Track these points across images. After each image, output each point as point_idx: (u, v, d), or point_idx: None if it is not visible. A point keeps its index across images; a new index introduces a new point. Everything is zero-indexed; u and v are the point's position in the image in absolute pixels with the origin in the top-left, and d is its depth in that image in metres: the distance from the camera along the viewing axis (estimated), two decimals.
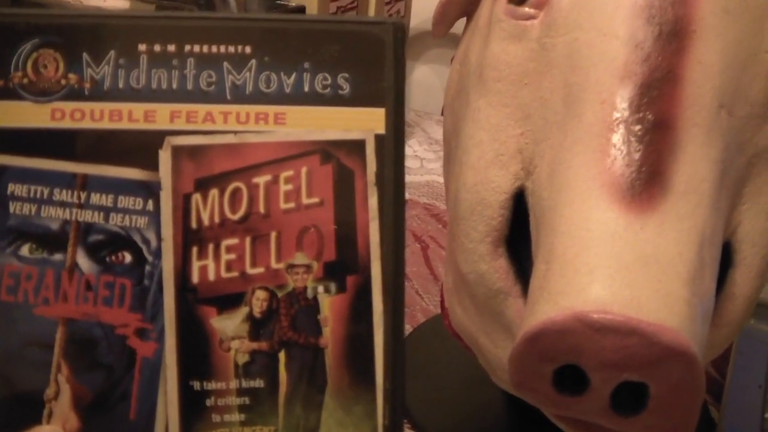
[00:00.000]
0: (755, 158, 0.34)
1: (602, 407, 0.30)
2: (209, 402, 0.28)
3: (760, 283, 0.36)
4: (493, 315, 0.38)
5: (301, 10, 0.81)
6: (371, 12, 0.90)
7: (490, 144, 0.37)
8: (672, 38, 0.32)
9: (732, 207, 0.34)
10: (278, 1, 0.86)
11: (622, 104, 0.31)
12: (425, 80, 1.30)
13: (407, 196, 0.90)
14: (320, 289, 0.29)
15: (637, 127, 0.31)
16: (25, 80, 0.28)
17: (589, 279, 0.28)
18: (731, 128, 0.33)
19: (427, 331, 0.63)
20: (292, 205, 0.29)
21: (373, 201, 0.29)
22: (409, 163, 1.00)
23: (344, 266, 0.29)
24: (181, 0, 0.83)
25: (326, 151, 0.29)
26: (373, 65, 0.29)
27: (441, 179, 0.95)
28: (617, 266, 0.28)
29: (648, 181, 0.30)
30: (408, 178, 0.96)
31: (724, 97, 0.32)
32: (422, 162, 1.01)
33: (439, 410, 0.54)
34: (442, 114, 1.15)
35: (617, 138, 0.31)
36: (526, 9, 0.36)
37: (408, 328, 0.64)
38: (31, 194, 0.29)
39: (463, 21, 0.45)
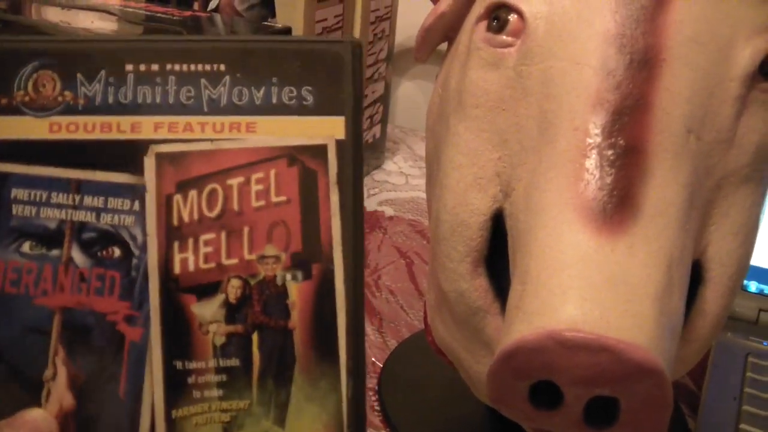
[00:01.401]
0: (722, 181, 0.35)
1: (575, 421, 0.31)
2: (191, 380, 0.31)
3: (728, 301, 0.37)
4: (474, 332, 0.39)
5: (287, 31, 0.82)
6: (357, 31, 0.91)
7: (469, 168, 0.38)
8: (642, 66, 0.33)
9: (701, 227, 0.35)
10: (264, 23, 0.87)
11: (594, 130, 0.32)
12: (410, 96, 1.31)
13: (392, 212, 0.91)
14: (288, 277, 0.32)
15: (609, 153, 0.32)
16: (27, 98, 0.32)
17: (561, 299, 0.29)
18: (699, 153, 0.34)
19: (412, 346, 0.64)
20: (262, 203, 0.32)
21: (334, 199, 0.32)
22: (394, 179, 1.01)
23: (309, 257, 0.32)
24: (168, 22, 0.84)
25: (292, 155, 0.32)
26: (333, 79, 0.32)
27: (425, 195, 0.96)
28: (588, 287, 0.29)
29: (619, 204, 0.31)
30: (393, 195, 0.97)
31: (693, 122, 0.33)
32: (407, 178, 1.02)
33: (423, 423, 0.54)
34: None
35: (590, 163, 0.32)
36: (504, 37, 0.37)
37: (393, 343, 0.65)
38: (32, 198, 0.32)
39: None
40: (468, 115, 0.38)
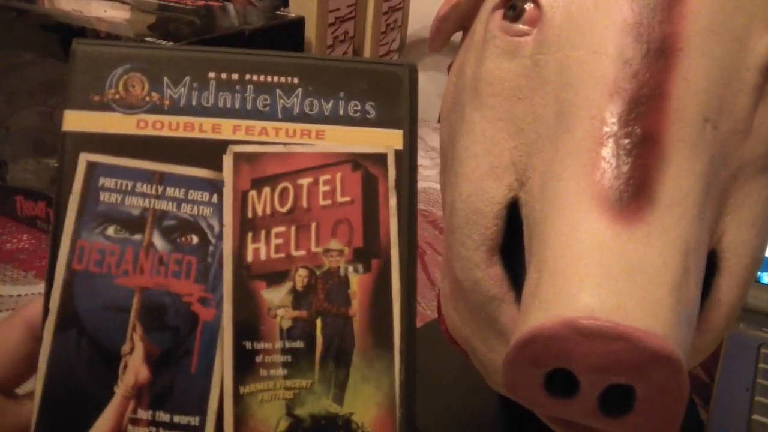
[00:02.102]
0: (738, 171, 0.35)
1: (591, 409, 0.31)
2: (258, 359, 0.34)
3: (743, 291, 0.37)
4: (488, 321, 0.39)
5: (300, 20, 0.82)
6: (369, 21, 0.91)
7: (484, 156, 0.38)
8: (659, 56, 0.33)
9: (717, 217, 0.35)
10: (277, 12, 0.87)
11: (611, 119, 0.32)
12: (422, 87, 1.30)
13: None
14: (350, 269, 0.35)
15: (626, 142, 0.32)
16: (117, 96, 0.35)
17: (578, 287, 0.29)
18: (716, 142, 0.34)
19: (425, 335, 0.64)
20: (328, 202, 0.35)
21: (392, 201, 0.35)
22: None
23: (369, 252, 0.35)
24: (181, 11, 0.84)
25: (356, 161, 0.35)
26: (393, 96, 0.36)
27: (437, 186, 0.95)
28: (605, 275, 0.29)
29: (635, 193, 0.31)
30: None
31: (709, 112, 0.33)
32: (419, 169, 1.02)
33: (437, 413, 0.55)
34: (438, 121, 1.16)
35: (606, 152, 0.32)
36: (520, 26, 0.37)
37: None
38: (118, 186, 0.34)
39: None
40: (484, 104, 0.38)
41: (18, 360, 0.35)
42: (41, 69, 0.87)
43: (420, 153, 1.07)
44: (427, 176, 1.00)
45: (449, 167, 0.42)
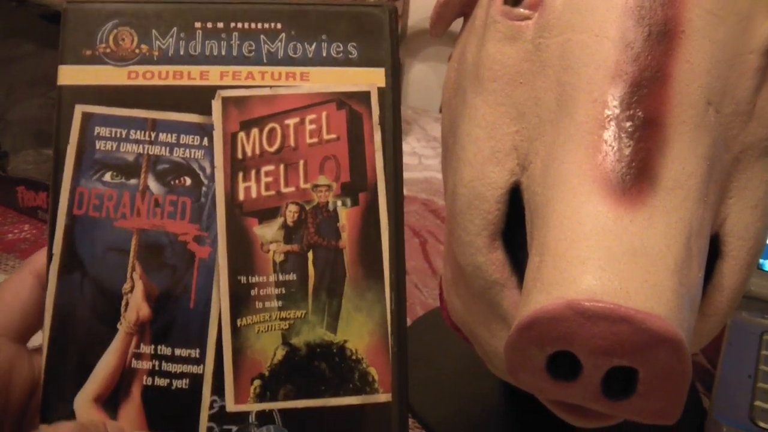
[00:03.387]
0: (741, 154, 0.35)
1: (594, 392, 0.31)
2: (253, 292, 0.36)
3: (746, 275, 0.36)
4: (490, 306, 0.39)
5: None
6: None
7: (486, 141, 0.38)
8: (661, 39, 0.33)
9: (720, 200, 0.35)
10: None
11: (612, 102, 0.32)
12: (423, 78, 1.30)
13: (405, 192, 0.91)
14: (339, 203, 0.36)
15: (628, 125, 0.32)
16: (108, 50, 0.37)
17: (580, 270, 0.29)
18: (718, 125, 0.33)
19: (426, 323, 0.64)
20: (315, 140, 0.37)
21: (377, 137, 0.37)
22: (408, 159, 1.01)
23: (357, 186, 0.36)
24: None
25: (341, 100, 0.37)
26: (374, 37, 0.37)
27: (439, 175, 0.95)
28: (607, 258, 0.29)
29: (637, 176, 0.31)
30: (406, 175, 0.97)
31: (712, 95, 0.33)
32: (420, 159, 1.02)
33: (438, 400, 0.55)
34: (440, 111, 1.16)
35: (608, 135, 0.32)
36: (521, 10, 0.37)
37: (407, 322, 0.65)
38: (113, 134, 0.36)
39: (459, 20, 0.46)
40: (485, 88, 0.38)
41: (30, 309, 0.36)
42: (41, 60, 0.87)
43: (422, 143, 1.07)
44: (429, 165, 1.00)
45: (451, 153, 0.42)
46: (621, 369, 0.30)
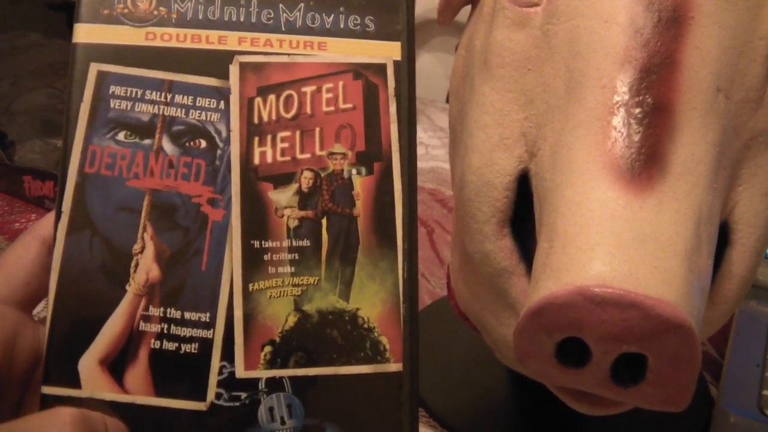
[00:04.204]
0: (751, 141, 0.35)
1: (603, 378, 0.31)
2: (266, 257, 0.35)
3: (755, 262, 0.36)
4: (498, 293, 0.39)
5: None
6: None
7: (494, 128, 0.37)
8: (671, 24, 0.33)
9: (729, 188, 0.35)
10: None
11: (622, 88, 0.32)
12: (429, 68, 1.30)
13: None
14: (353, 171, 0.36)
15: (637, 111, 0.32)
16: (126, 10, 0.36)
17: (589, 256, 0.29)
18: (728, 112, 0.33)
19: (434, 313, 0.64)
20: (331, 108, 0.36)
21: (392, 108, 0.37)
22: None
23: (371, 155, 0.36)
24: None
25: (357, 71, 0.37)
26: (391, 10, 0.37)
27: (446, 165, 0.95)
28: (617, 244, 0.29)
29: (647, 162, 0.31)
30: None
31: (721, 81, 0.33)
32: (427, 148, 1.02)
33: (446, 389, 0.55)
34: (446, 101, 1.15)
35: (617, 121, 0.32)
36: None
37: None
38: (128, 94, 0.36)
39: (467, 9, 0.46)
40: (493, 75, 0.38)
41: (35, 275, 0.35)
42: (47, 49, 0.87)
43: (428, 133, 1.07)
44: (435, 156, 1.00)
45: (459, 141, 0.42)
46: (630, 356, 0.30)
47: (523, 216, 0.38)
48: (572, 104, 0.34)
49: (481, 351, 0.50)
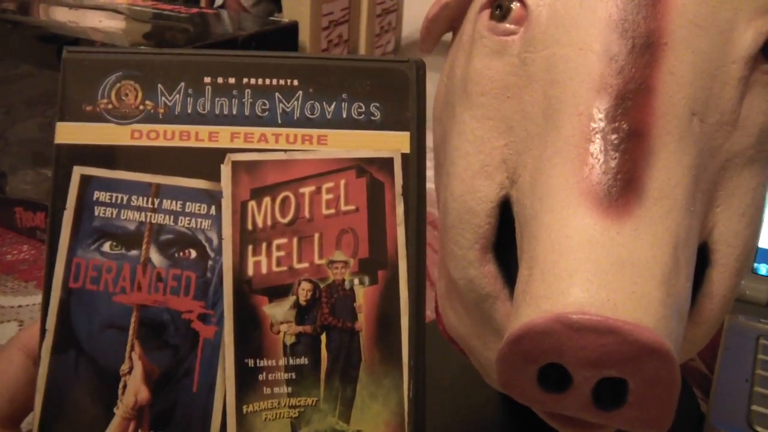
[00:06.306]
0: (727, 163, 0.35)
1: (585, 403, 0.31)
2: (261, 377, 0.33)
3: (735, 282, 0.37)
4: (483, 318, 0.40)
5: (294, 25, 0.82)
6: (363, 24, 0.92)
7: (475, 155, 0.38)
8: (645, 51, 0.33)
9: (707, 209, 0.35)
10: (271, 18, 0.88)
11: (598, 115, 0.32)
12: None
13: None
14: (356, 281, 0.33)
15: (613, 137, 0.32)
16: (110, 106, 0.34)
17: (568, 283, 0.29)
18: (703, 135, 0.34)
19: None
20: (332, 211, 0.34)
21: (399, 209, 0.34)
22: None
23: (376, 263, 0.33)
24: (175, 19, 0.84)
25: (361, 167, 0.34)
26: (399, 96, 0.35)
27: (434, 186, 0.95)
28: (595, 270, 0.29)
29: (624, 188, 0.31)
30: None
31: (696, 105, 0.33)
32: None
33: (436, 412, 0.55)
34: None
35: (594, 148, 0.32)
36: (507, 25, 0.37)
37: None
38: (113, 200, 0.33)
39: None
40: (473, 103, 0.38)
41: (20, 389, 0.34)
42: (39, 80, 0.88)
43: None
44: (428, 177, 1.00)
45: (442, 167, 0.42)
46: (611, 380, 0.30)
47: (506, 241, 0.38)
48: (550, 131, 0.34)
49: (471, 373, 0.50)
